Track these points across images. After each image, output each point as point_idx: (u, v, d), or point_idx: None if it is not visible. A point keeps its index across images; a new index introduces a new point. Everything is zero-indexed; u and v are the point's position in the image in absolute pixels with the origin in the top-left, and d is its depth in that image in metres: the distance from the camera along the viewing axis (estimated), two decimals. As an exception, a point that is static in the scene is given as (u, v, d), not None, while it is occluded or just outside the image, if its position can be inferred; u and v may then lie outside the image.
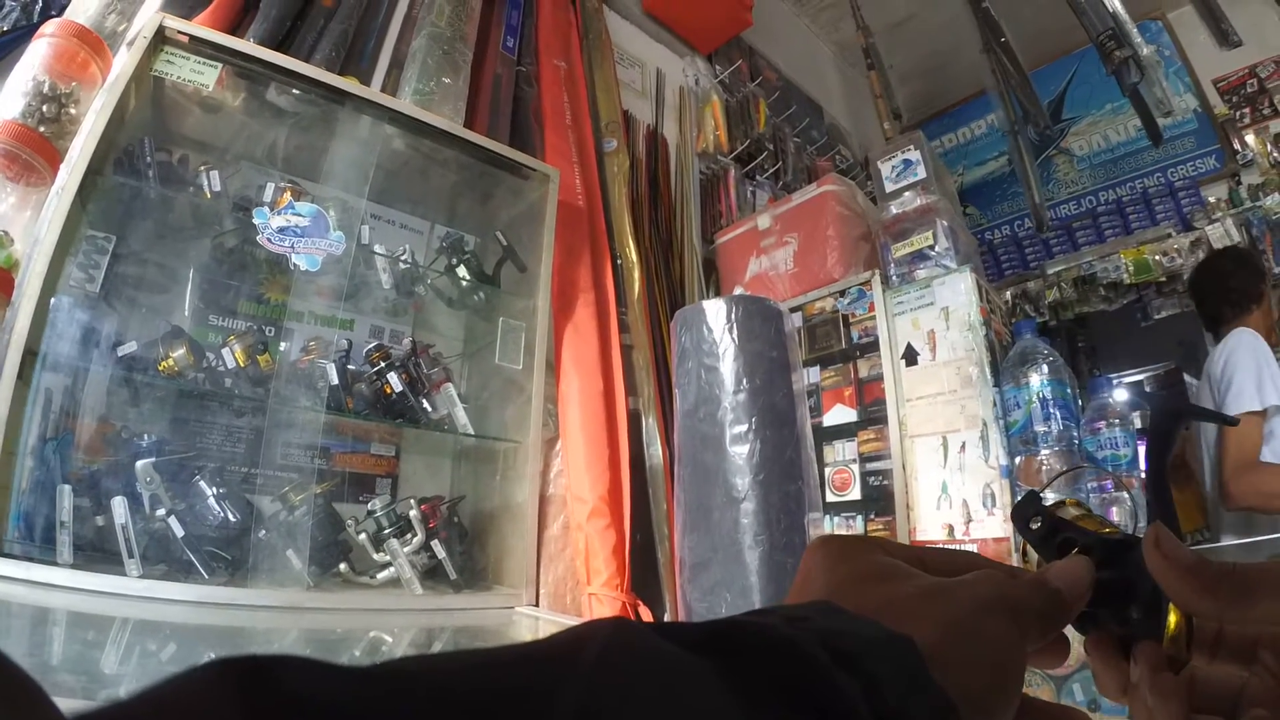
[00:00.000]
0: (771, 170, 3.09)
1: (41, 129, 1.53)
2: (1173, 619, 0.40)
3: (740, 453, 1.52)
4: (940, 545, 1.91)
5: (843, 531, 2.12)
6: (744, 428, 1.53)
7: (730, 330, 1.58)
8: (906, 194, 2.44)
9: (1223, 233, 3.61)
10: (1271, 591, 0.37)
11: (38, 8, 1.78)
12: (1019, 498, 0.55)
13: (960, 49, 3.75)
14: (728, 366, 1.56)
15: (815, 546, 0.43)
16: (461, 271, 1.91)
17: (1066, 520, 0.46)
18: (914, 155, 2.48)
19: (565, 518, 1.86)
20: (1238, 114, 3.94)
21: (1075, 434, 1.88)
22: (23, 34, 1.71)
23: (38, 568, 1.26)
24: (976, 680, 0.34)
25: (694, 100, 3.03)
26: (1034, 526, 0.47)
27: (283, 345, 1.78)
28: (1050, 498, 0.48)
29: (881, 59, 3.73)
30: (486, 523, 1.91)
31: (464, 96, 2.13)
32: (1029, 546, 0.47)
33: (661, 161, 2.74)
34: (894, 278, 2.33)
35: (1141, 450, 1.75)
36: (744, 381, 1.55)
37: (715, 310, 1.59)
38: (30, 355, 1.34)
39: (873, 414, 2.18)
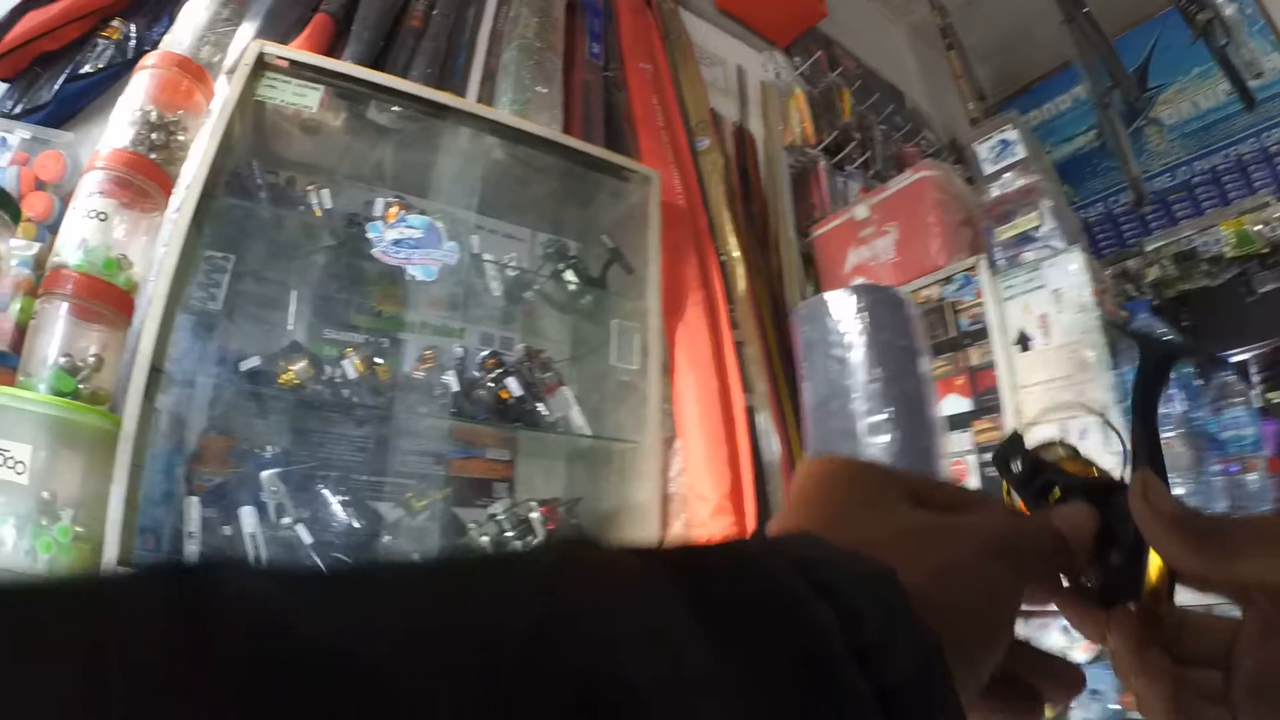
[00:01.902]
0: (860, 160, 2.94)
1: (152, 156, 1.49)
2: (1154, 569, 0.38)
3: (877, 443, 1.41)
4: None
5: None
6: (879, 418, 1.42)
7: (858, 320, 1.47)
8: (1006, 175, 2.28)
9: (1322, 199, 3.32)
10: (1258, 548, 0.34)
11: (131, 44, 1.76)
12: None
13: (1035, 23, 3.56)
14: (858, 357, 1.45)
15: (812, 467, 0.40)
16: (569, 276, 1.84)
17: (1048, 462, 0.43)
18: (1012, 135, 2.32)
19: (688, 516, 1.75)
20: (1329, 72, 3.63)
21: (1197, 415, 1.72)
22: (118, 70, 1.69)
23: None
24: (965, 623, 0.32)
25: (777, 94, 2.91)
26: (1015, 468, 0.44)
27: (399, 356, 1.73)
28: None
29: (959, 38, 3.56)
30: (605, 523, 1.82)
31: (559, 104, 2.05)
32: (1011, 489, 0.44)
33: (750, 158, 2.62)
34: (1000, 262, 2.15)
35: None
36: (876, 371, 1.44)
37: (840, 301, 1.49)
38: (155, 373, 1.31)
39: (986, 403, 2.02)
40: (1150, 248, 3.72)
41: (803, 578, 0.25)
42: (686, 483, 1.77)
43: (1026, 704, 0.39)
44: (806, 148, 2.78)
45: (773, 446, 1.92)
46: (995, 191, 2.29)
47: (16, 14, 1.73)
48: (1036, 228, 2.14)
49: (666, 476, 1.77)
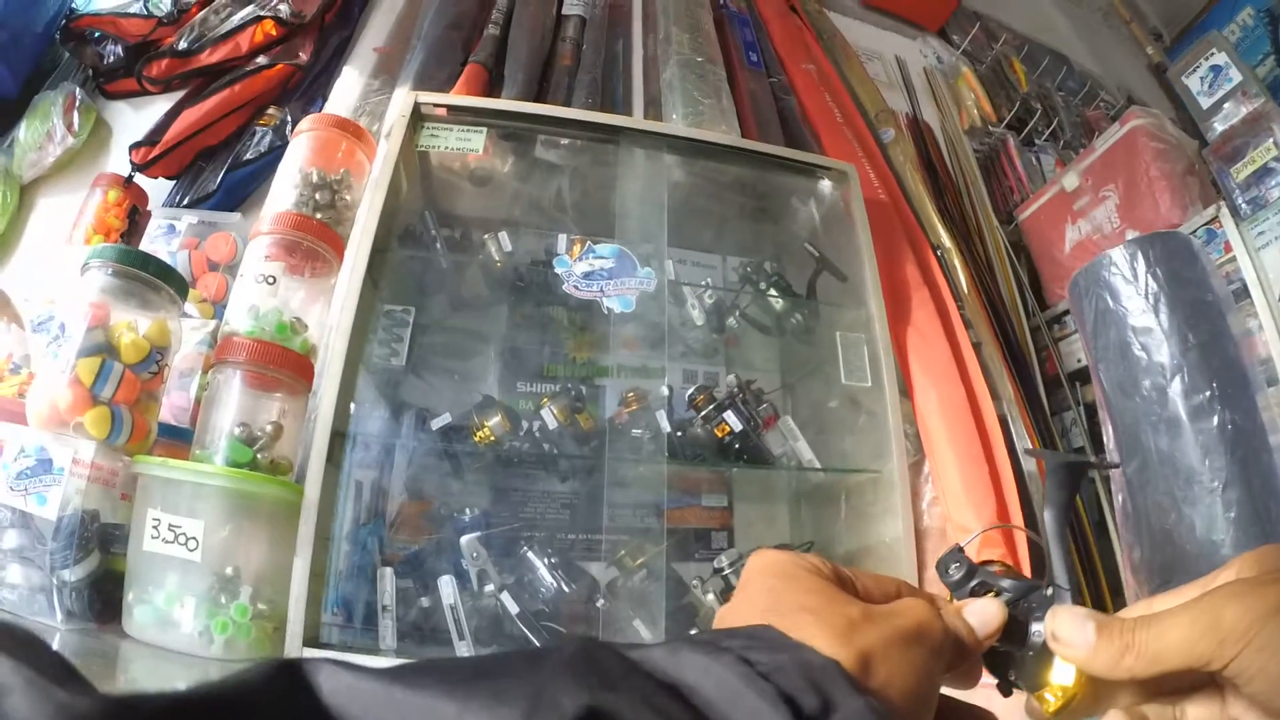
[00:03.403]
0: (1048, 132, 2.56)
1: (318, 216, 1.33)
2: (1061, 685, 0.42)
3: (1207, 428, 1.05)
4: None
5: None
6: (1204, 395, 1.06)
7: (1153, 277, 1.12)
8: (1226, 105, 1.97)
9: None
10: (1177, 649, 0.38)
11: (289, 129, 1.70)
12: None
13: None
14: (1166, 322, 1.10)
15: (754, 561, 0.45)
16: (773, 295, 1.58)
17: (982, 567, 0.47)
18: (1221, 58, 2.01)
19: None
20: None
21: None
22: (279, 154, 1.60)
23: (358, 657, 1.03)
24: (897, 696, 0.35)
25: (943, 79, 2.59)
26: (952, 573, 0.48)
27: (599, 402, 1.53)
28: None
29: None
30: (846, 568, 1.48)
31: (732, 113, 1.82)
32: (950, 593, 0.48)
33: (931, 148, 2.29)
34: (1244, 206, 1.80)
35: None
36: (1190, 338, 1.09)
37: (1126, 259, 1.14)
38: (339, 437, 1.15)
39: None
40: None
41: (750, 668, 0.31)
42: (943, 513, 1.43)
43: None
44: (990, 127, 2.44)
45: (1030, 462, 1.57)
46: (1218, 126, 1.98)
47: (172, 115, 1.73)
48: (1277, 158, 1.79)
49: (918, 509, 1.44)
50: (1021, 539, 1.35)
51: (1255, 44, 3.77)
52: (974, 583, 0.47)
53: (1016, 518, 1.42)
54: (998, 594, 0.45)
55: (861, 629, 0.37)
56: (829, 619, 0.37)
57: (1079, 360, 1.93)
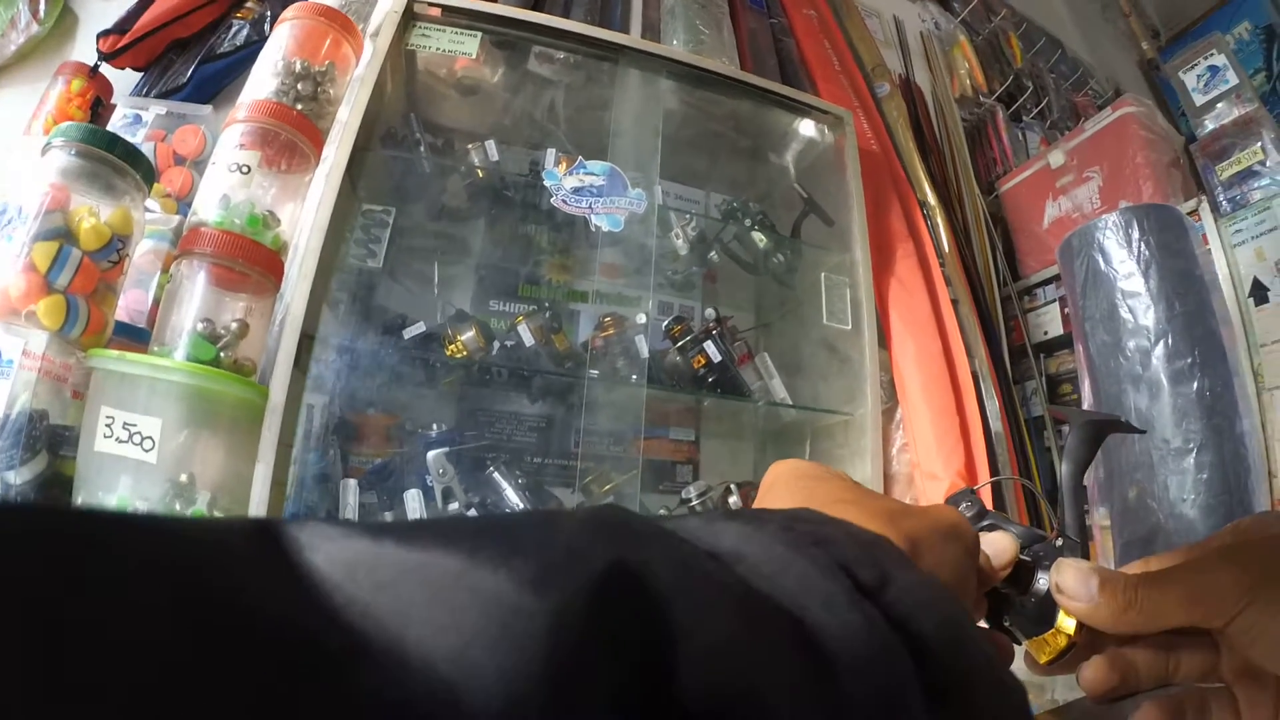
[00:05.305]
0: (1036, 110, 2.54)
1: (299, 107, 1.24)
2: (1060, 632, 0.42)
3: (1186, 392, 1.05)
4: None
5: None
6: (1186, 361, 1.06)
7: (1145, 245, 1.11)
8: (1219, 105, 1.93)
9: None
10: (1178, 607, 0.38)
11: (267, 24, 1.58)
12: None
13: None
14: (1154, 289, 1.09)
15: (778, 467, 0.43)
16: (757, 233, 1.53)
17: (991, 511, 0.47)
18: (1219, 59, 1.96)
19: (915, 499, 1.41)
20: None
21: None
22: (256, 49, 1.48)
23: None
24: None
25: (938, 45, 2.53)
26: (964, 512, 0.46)
27: (574, 325, 1.49)
28: None
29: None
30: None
31: (733, 46, 1.76)
32: None
33: (921, 111, 2.25)
34: (1224, 203, 1.78)
35: None
36: (1176, 305, 1.09)
37: (1121, 225, 1.13)
38: (307, 339, 1.08)
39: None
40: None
41: (798, 535, 0.28)
42: (912, 460, 1.43)
43: None
44: (980, 97, 2.41)
45: (996, 417, 1.57)
46: (1209, 124, 1.93)
47: (144, 3, 1.60)
48: (1262, 161, 1.77)
49: (888, 454, 1.43)
50: (988, 494, 1.35)
51: (1249, 58, 3.76)
52: (985, 523, 0.46)
53: (983, 470, 1.42)
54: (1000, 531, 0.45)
55: (903, 518, 0.36)
56: (870, 508, 0.36)
57: (1045, 333, 1.95)
